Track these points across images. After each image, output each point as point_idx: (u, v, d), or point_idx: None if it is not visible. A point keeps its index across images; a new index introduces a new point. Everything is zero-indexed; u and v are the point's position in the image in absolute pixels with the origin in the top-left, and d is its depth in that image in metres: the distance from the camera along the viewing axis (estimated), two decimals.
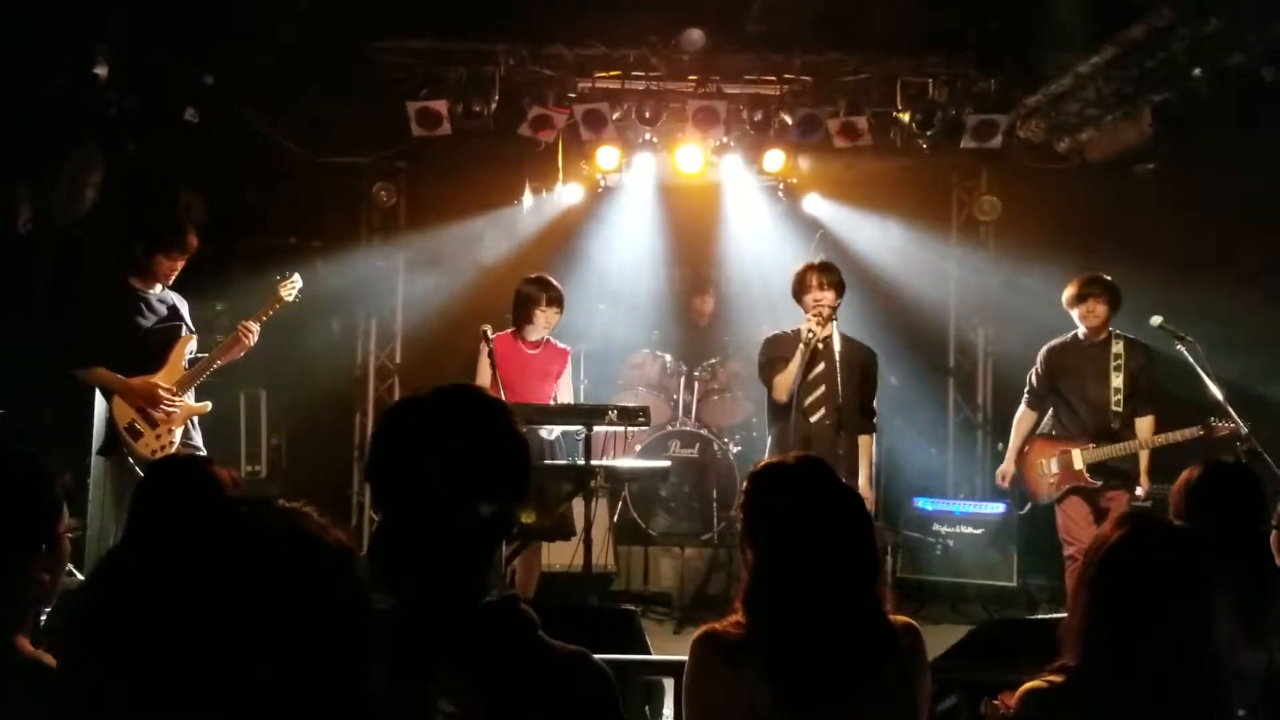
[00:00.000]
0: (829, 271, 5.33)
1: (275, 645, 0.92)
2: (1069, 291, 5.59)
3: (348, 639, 0.98)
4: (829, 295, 5.27)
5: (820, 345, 5.29)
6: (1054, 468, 5.58)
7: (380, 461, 1.67)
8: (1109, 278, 5.55)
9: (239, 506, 1.01)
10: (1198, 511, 2.96)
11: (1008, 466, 5.80)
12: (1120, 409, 5.49)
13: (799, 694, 2.06)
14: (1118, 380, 5.49)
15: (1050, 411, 5.75)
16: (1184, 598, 1.96)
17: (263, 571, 0.95)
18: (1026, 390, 5.81)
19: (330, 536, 1.01)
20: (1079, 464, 5.49)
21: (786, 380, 5.29)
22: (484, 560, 1.66)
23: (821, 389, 5.35)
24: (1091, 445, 5.49)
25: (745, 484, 2.30)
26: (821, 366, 5.34)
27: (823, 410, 5.32)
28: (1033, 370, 5.78)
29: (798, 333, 5.36)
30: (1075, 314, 5.56)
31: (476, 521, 1.63)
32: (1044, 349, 5.75)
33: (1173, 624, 1.94)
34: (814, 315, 5.24)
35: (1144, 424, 5.55)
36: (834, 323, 5.31)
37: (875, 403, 5.54)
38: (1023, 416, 5.83)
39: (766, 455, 5.52)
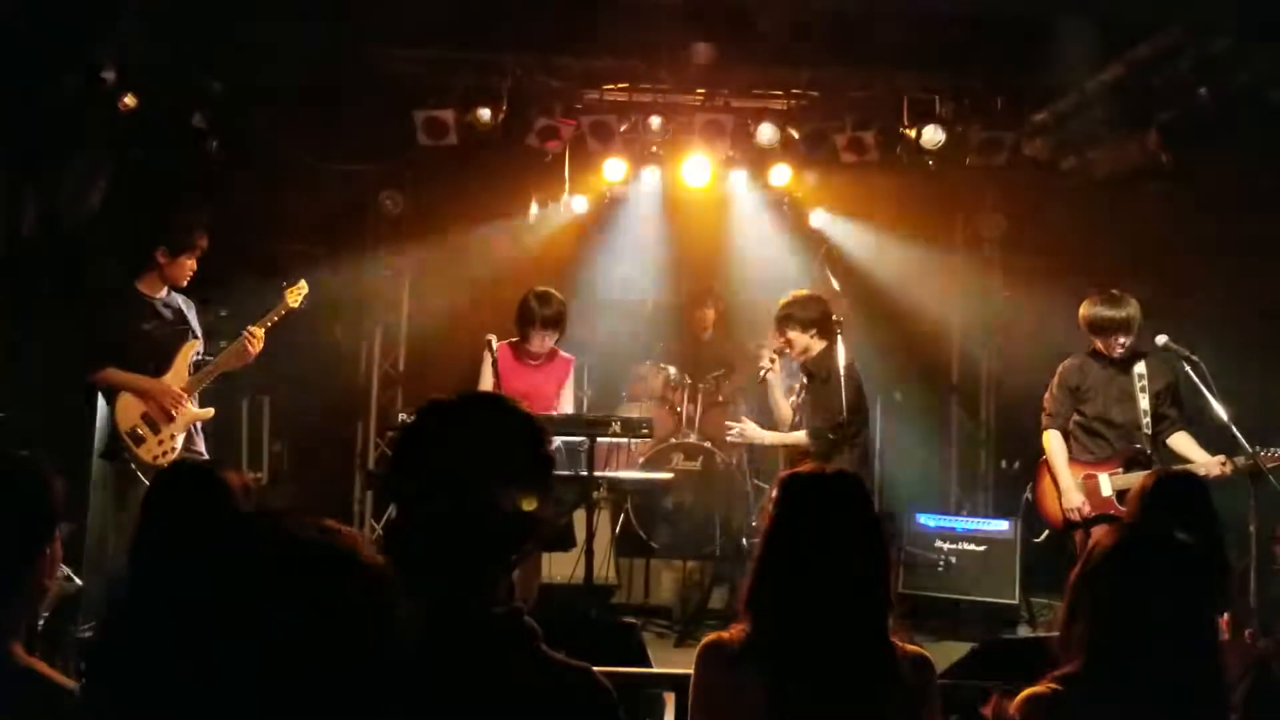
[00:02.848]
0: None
1: (307, 665, 0.91)
2: (1100, 315, 5.18)
3: (376, 661, 0.97)
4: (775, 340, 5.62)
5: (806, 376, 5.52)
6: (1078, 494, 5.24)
7: (403, 463, 1.67)
8: (1131, 299, 5.18)
9: (282, 523, 0.99)
10: (1150, 516, 3.03)
11: (1075, 495, 5.23)
12: (1149, 431, 5.17)
13: (795, 701, 2.06)
14: (1144, 401, 5.17)
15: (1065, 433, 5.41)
16: (1183, 602, 1.97)
17: (303, 590, 0.94)
18: (1049, 414, 5.40)
19: (368, 557, 1.01)
20: (1107, 490, 5.15)
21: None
22: (494, 573, 1.66)
23: (798, 419, 5.52)
24: (1120, 470, 5.17)
25: (775, 487, 2.30)
26: (803, 395, 5.51)
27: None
28: (1050, 393, 5.43)
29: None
30: (1099, 341, 5.23)
31: (491, 537, 1.63)
32: (1061, 369, 5.41)
33: (1173, 628, 1.96)
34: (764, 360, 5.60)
35: (1180, 439, 5.19)
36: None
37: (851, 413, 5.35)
38: (1056, 441, 5.35)
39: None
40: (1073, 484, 5.26)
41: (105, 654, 0.97)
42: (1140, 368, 5.23)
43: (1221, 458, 4.99)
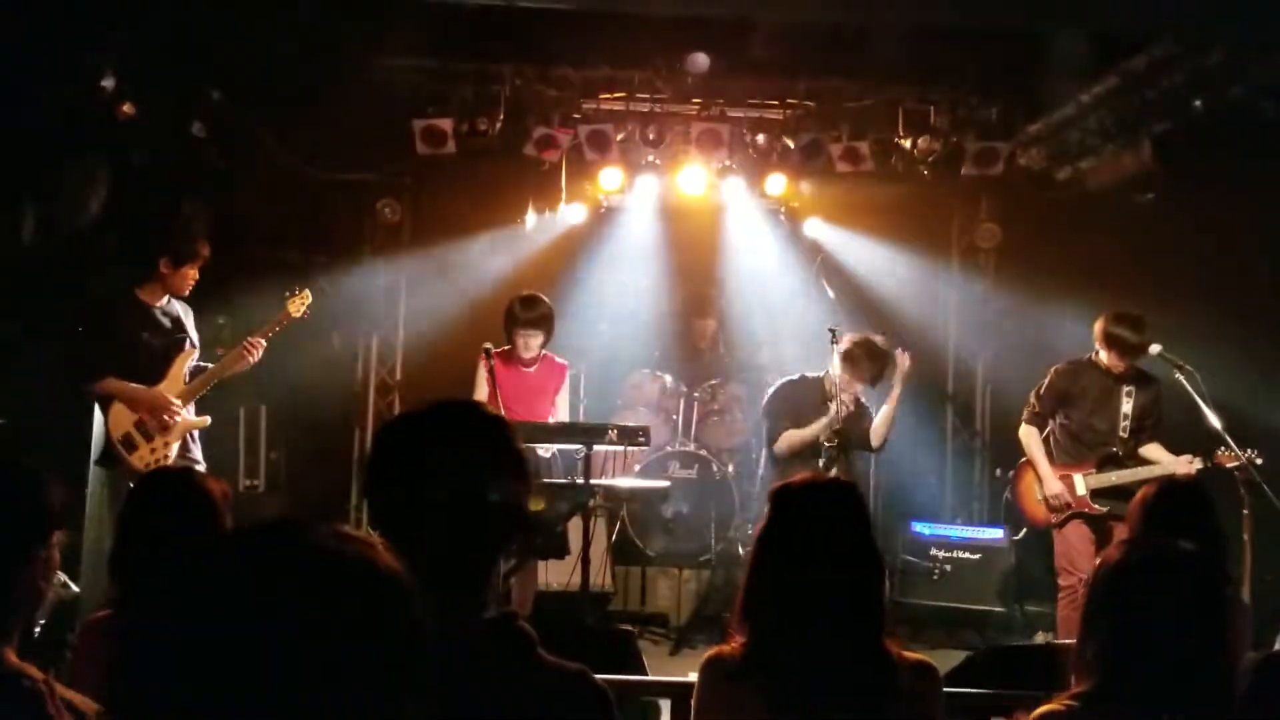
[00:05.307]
0: (876, 364, 5.50)
1: (330, 675, 0.91)
2: (1122, 336, 5.27)
3: (402, 674, 0.97)
4: (860, 387, 5.55)
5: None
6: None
7: (379, 477, 1.68)
8: (1149, 325, 5.30)
9: (304, 531, 0.99)
10: (1153, 526, 3.05)
11: (1055, 482, 5.40)
12: (1126, 436, 5.38)
13: (797, 714, 2.05)
14: (1127, 406, 5.36)
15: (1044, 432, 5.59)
16: (1198, 617, 1.96)
17: (331, 601, 0.94)
18: (1032, 410, 5.56)
19: (394, 568, 1.01)
20: (1081, 489, 5.35)
21: (796, 443, 5.51)
22: (483, 576, 1.67)
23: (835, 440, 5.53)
24: (1094, 470, 5.37)
25: (769, 496, 2.28)
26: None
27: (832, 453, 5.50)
28: (1037, 389, 5.59)
29: (818, 382, 5.61)
30: (1107, 355, 5.35)
31: (475, 536, 1.64)
32: (1055, 372, 5.55)
33: (1188, 644, 1.95)
34: (846, 395, 5.47)
35: (1154, 449, 5.41)
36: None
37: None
38: (1033, 435, 5.55)
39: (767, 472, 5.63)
40: (1052, 473, 5.44)
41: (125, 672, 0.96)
42: (1133, 374, 5.39)
43: (1187, 457, 5.23)
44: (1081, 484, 5.36)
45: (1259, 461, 5.01)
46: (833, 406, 5.44)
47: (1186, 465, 5.19)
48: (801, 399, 5.64)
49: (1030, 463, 5.55)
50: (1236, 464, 5.05)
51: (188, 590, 0.95)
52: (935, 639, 6.46)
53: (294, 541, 0.97)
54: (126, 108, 6.00)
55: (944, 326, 8.42)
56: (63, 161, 5.89)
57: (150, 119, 6.31)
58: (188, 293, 5.27)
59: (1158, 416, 5.45)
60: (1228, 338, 6.09)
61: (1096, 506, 5.33)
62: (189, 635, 0.92)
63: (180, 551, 1.00)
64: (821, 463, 5.40)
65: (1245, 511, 4.99)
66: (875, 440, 5.66)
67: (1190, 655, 1.94)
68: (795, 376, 5.80)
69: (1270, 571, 5.23)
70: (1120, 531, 5.19)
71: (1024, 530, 6.53)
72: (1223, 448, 5.11)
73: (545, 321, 5.61)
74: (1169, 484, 3.32)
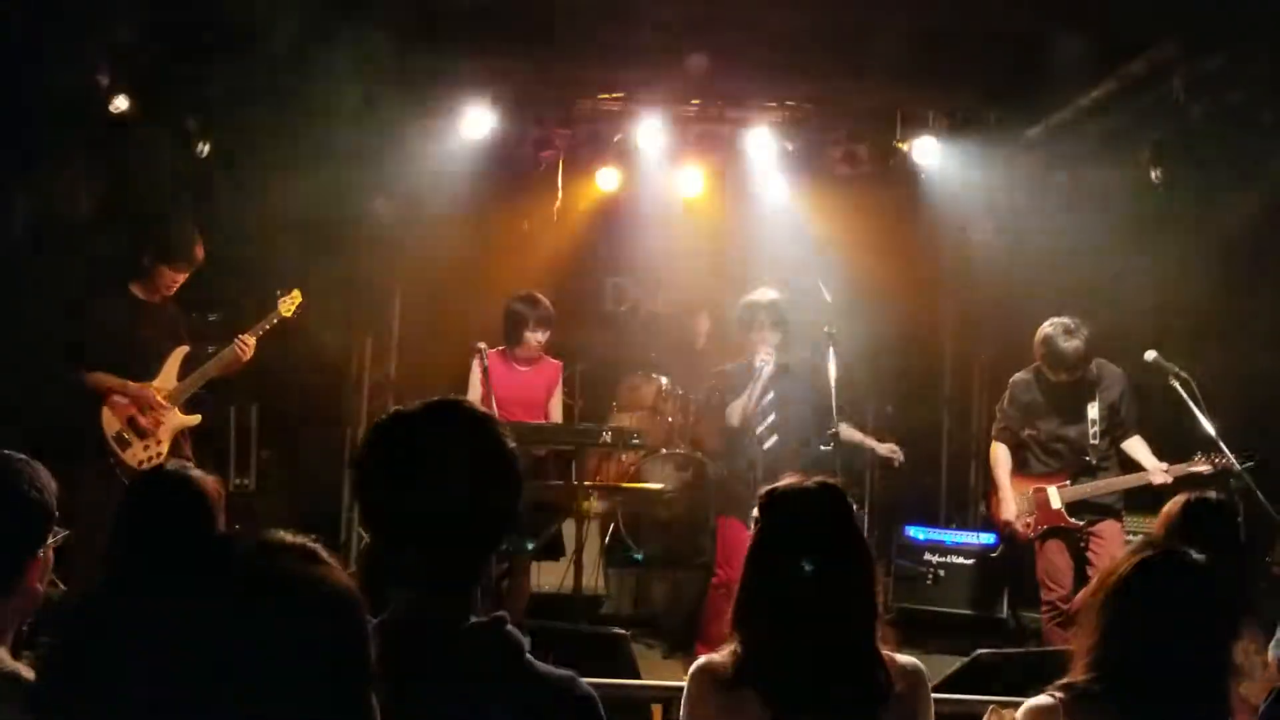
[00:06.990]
0: (775, 309, 5.49)
1: (274, 688, 0.90)
2: (1051, 351, 5.19)
3: (348, 684, 0.96)
4: (776, 335, 5.45)
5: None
6: (1028, 507, 5.36)
7: (369, 477, 1.67)
8: (1081, 331, 5.18)
9: (242, 544, 0.98)
10: (1175, 540, 3.03)
11: (1012, 505, 5.38)
12: (1097, 442, 5.28)
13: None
14: (1094, 411, 5.26)
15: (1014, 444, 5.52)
16: (1199, 629, 1.97)
17: (266, 615, 0.93)
18: (1000, 426, 5.53)
19: (336, 578, 0.99)
20: (1056, 503, 5.28)
21: (739, 406, 5.39)
22: (472, 578, 1.65)
23: (772, 416, 5.44)
24: (1068, 483, 5.30)
25: (758, 502, 2.27)
26: (770, 395, 5.44)
27: (775, 436, 5.41)
28: (1000, 403, 5.56)
29: (744, 367, 5.50)
30: (1046, 368, 5.30)
31: (465, 537, 1.63)
32: (1012, 384, 5.51)
33: (1185, 652, 1.96)
34: (764, 350, 5.39)
35: (1134, 444, 5.33)
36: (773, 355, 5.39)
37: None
38: (1002, 453, 5.52)
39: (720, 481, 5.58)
40: (1011, 494, 5.40)
41: (63, 662, 0.95)
42: (1092, 376, 5.28)
43: (1164, 465, 5.18)
44: (1057, 497, 5.29)
45: (1238, 467, 4.93)
46: (757, 360, 5.35)
47: (1163, 475, 5.14)
48: (736, 378, 5.55)
49: (993, 479, 5.51)
50: (1209, 469, 4.99)
51: (131, 602, 0.94)
52: (929, 644, 6.44)
53: (238, 557, 0.96)
54: (121, 102, 5.97)
55: (941, 329, 8.41)
56: (56, 156, 5.86)
57: (144, 114, 6.29)
58: (171, 293, 5.24)
59: (1127, 411, 5.33)
60: (1227, 343, 6.08)
61: (1073, 520, 5.26)
62: (135, 643, 0.91)
63: (174, 551, 1.00)
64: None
65: (1239, 519, 4.96)
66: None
67: (1185, 661, 1.96)
68: (723, 367, 5.74)
69: (1264, 579, 5.22)
70: (1107, 533, 5.20)
71: (1000, 548, 6.54)
72: (1199, 454, 5.04)
73: (551, 318, 5.65)
74: (1196, 501, 3.30)
